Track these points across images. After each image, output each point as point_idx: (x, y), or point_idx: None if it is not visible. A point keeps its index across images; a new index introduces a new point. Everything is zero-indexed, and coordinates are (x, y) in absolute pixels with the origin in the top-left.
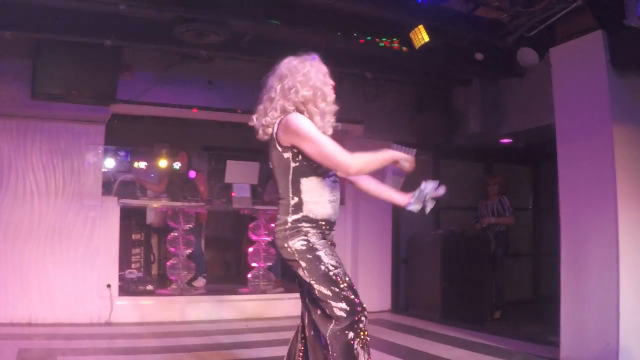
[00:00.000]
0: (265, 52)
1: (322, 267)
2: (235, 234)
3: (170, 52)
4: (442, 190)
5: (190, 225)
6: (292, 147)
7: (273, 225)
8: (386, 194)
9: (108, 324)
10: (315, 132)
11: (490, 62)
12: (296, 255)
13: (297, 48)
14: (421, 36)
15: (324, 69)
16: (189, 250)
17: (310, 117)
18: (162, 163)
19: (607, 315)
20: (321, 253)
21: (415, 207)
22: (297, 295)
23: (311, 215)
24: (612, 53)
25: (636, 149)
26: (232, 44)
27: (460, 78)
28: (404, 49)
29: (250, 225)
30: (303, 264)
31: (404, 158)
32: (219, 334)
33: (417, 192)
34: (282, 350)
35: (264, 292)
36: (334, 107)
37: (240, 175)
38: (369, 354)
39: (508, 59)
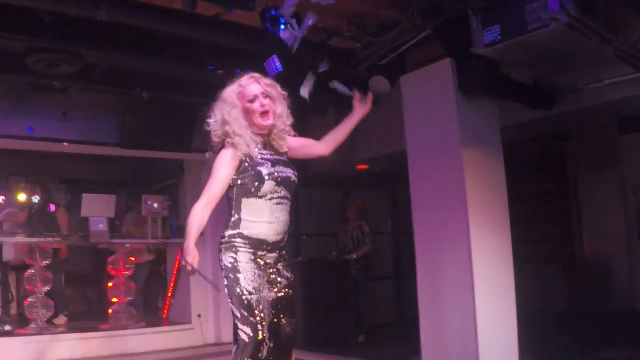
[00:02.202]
0: (118, 82)
1: (238, 290)
2: (95, 269)
3: (22, 82)
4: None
5: (48, 262)
6: None
7: (132, 258)
8: (347, 122)
9: None
10: (214, 172)
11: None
12: (224, 270)
13: (150, 78)
14: (275, 66)
15: (246, 93)
16: (47, 287)
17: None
18: (21, 197)
19: (466, 332)
20: (241, 276)
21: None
22: (159, 328)
23: (245, 233)
24: (460, 79)
25: (485, 169)
26: (85, 74)
27: (315, 106)
28: None
29: (109, 260)
30: (225, 281)
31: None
32: None
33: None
34: None
35: (125, 327)
36: (253, 138)
37: (96, 209)
38: None
39: (362, 87)
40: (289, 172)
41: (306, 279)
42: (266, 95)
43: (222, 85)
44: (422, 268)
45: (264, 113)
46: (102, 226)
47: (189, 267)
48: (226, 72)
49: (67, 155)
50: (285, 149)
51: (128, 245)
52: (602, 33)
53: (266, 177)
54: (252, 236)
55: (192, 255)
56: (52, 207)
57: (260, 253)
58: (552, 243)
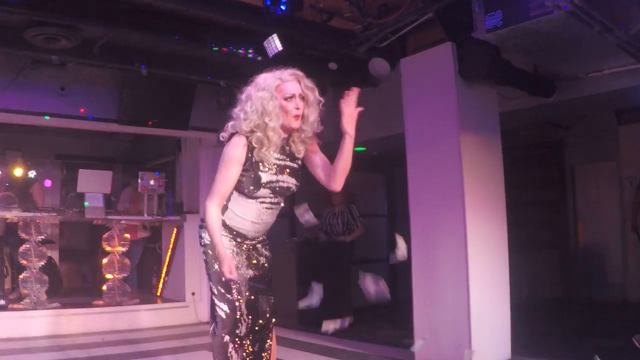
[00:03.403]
0: (117, 58)
1: (216, 267)
2: (90, 245)
3: (20, 56)
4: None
5: (43, 237)
6: None
7: (127, 235)
8: (341, 149)
9: None
10: (225, 164)
11: (343, 72)
12: (203, 247)
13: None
14: (274, 45)
15: (284, 91)
16: (42, 263)
17: (256, 149)
18: (18, 172)
19: (459, 317)
20: None
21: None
22: (153, 305)
23: (228, 223)
24: (461, 64)
25: (482, 155)
26: (83, 49)
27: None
28: (259, 57)
29: (104, 236)
30: (204, 256)
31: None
32: (73, 349)
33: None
34: None
35: (119, 304)
36: (275, 138)
37: (92, 185)
38: None
39: (361, 69)
40: (291, 183)
41: (300, 260)
42: (302, 97)
43: (221, 63)
44: (417, 252)
45: (296, 116)
46: (98, 202)
47: (227, 275)
48: (227, 50)
49: (64, 130)
50: (301, 155)
51: (123, 222)
52: (604, 22)
53: (263, 185)
54: (233, 228)
55: (226, 263)
56: (48, 183)
57: (238, 240)
58: (547, 231)
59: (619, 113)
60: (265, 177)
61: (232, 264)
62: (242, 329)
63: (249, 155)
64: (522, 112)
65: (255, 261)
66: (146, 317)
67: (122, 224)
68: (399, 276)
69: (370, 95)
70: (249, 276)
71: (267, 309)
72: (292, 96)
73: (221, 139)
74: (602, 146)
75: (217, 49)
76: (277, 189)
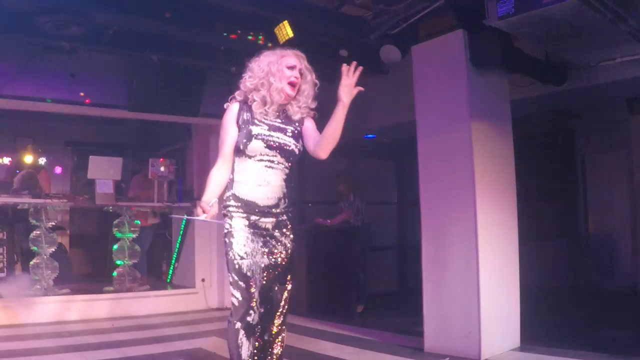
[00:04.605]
0: (128, 45)
1: (231, 254)
2: (100, 232)
3: (31, 43)
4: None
5: (54, 223)
6: None
7: (138, 222)
8: (333, 117)
9: None
10: (223, 128)
11: (354, 59)
12: (226, 235)
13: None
14: (285, 32)
15: (287, 60)
16: (52, 249)
17: (251, 104)
18: (28, 158)
19: (469, 305)
20: (234, 240)
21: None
22: (163, 292)
23: (237, 194)
24: (472, 52)
25: (493, 144)
26: (94, 36)
27: (324, 74)
28: (269, 44)
29: (115, 222)
30: (224, 245)
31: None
32: (84, 334)
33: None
34: (149, 349)
35: (129, 290)
36: (277, 97)
37: (103, 171)
38: (254, 348)
39: (372, 56)
40: (289, 141)
41: (310, 247)
42: (300, 73)
43: (231, 49)
44: (428, 239)
45: (293, 84)
46: (108, 189)
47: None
48: (238, 36)
49: (75, 117)
50: (297, 118)
51: (134, 208)
52: (616, 10)
53: (255, 136)
54: (242, 197)
55: (202, 207)
56: (59, 170)
57: (253, 218)
58: (557, 220)
59: (631, 102)
60: (255, 129)
61: (204, 207)
62: (255, 317)
63: (243, 114)
64: (533, 100)
65: (272, 249)
66: (156, 303)
67: (132, 211)
68: (409, 264)
69: (381, 83)
70: (263, 264)
71: (280, 298)
72: (294, 67)
73: (225, 107)
74: (613, 135)
75: (226, 35)
76: (272, 143)
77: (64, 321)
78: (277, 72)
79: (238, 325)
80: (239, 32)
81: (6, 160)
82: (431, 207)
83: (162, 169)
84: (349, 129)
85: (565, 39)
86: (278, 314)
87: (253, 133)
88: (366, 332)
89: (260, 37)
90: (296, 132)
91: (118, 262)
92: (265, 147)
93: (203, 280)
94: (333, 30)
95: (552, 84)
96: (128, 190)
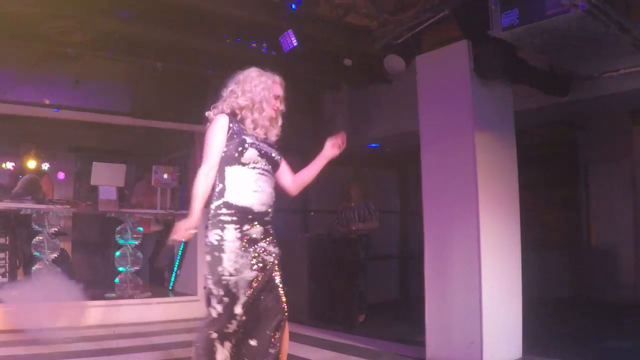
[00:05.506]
0: (132, 52)
1: (220, 269)
2: (103, 238)
3: (35, 49)
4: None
5: (56, 229)
6: None
7: (141, 228)
8: (314, 165)
9: None
10: (212, 138)
11: (358, 68)
12: (209, 246)
13: (165, 49)
14: (290, 41)
15: (276, 90)
16: (55, 254)
17: (242, 121)
18: (31, 164)
19: (471, 315)
20: (225, 257)
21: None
22: (165, 299)
23: (231, 201)
24: (476, 62)
25: (497, 154)
26: (98, 42)
27: (329, 83)
28: (272, 52)
29: (118, 229)
30: (208, 257)
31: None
32: (84, 341)
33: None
34: (150, 356)
35: (131, 297)
36: (266, 123)
37: (106, 177)
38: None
39: (376, 65)
40: (273, 152)
41: (313, 256)
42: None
43: (235, 58)
44: (430, 249)
45: (275, 110)
46: (112, 195)
47: (179, 236)
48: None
49: (78, 123)
50: (274, 138)
51: (137, 215)
52: (620, 22)
53: (249, 145)
54: (237, 204)
55: (188, 226)
56: (62, 175)
57: (246, 227)
58: (559, 230)
59: (634, 113)
60: (249, 138)
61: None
62: (232, 327)
63: (234, 126)
64: (536, 111)
65: (260, 261)
66: (158, 310)
67: (135, 217)
68: (411, 273)
69: (385, 92)
70: (251, 277)
71: (275, 303)
72: (278, 97)
73: (208, 116)
74: (616, 146)
75: (230, 43)
76: (262, 152)
77: (64, 327)
78: (270, 99)
79: (214, 335)
80: (243, 40)
81: (9, 165)
82: (434, 217)
83: (165, 176)
84: (352, 138)
85: (569, 50)
86: (272, 318)
87: (247, 142)
88: (368, 341)
89: (264, 45)
90: (272, 143)
91: (120, 269)
92: (258, 155)
93: (205, 287)
94: (337, 40)
95: (556, 94)
96: (131, 197)
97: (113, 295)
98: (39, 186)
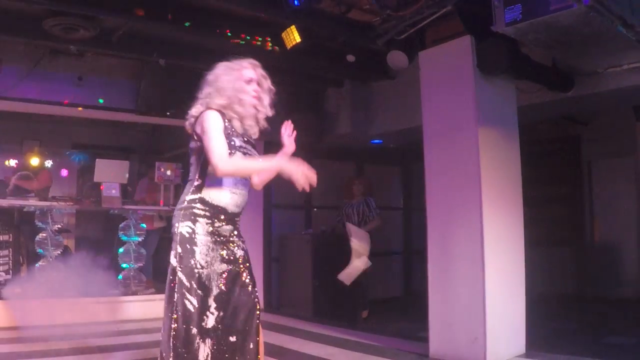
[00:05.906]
0: (136, 48)
1: (192, 262)
2: (106, 235)
3: (38, 46)
4: None
5: (60, 225)
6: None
7: (144, 225)
8: (264, 173)
9: None
10: (213, 129)
11: (361, 64)
12: (178, 238)
13: (168, 45)
14: (293, 37)
15: (246, 75)
16: (58, 251)
17: (230, 122)
18: (34, 161)
19: (474, 311)
20: (197, 249)
21: None
22: None
23: (207, 199)
24: (480, 58)
25: (500, 149)
26: (102, 39)
27: (332, 79)
28: (276, 48)
29: (121, 225)
30: (179, 249)
31: (292, 169)
32: (90, 337)
33: None
34: (153, 353)
35: (134, 293)
36: (252, 111)
37: (109, 174)
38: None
39: (379, 61)
40: (255, 153)
41: (316, 252)
42: (258, 83)
43: (239, 54)
44: (433, 245)
45: (255, 97)
46: (115, 192)
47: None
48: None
49: (82, 120)
50: (256, 136)
51: (140, 211)
52: (624, 17)
53: (238, 147)
54: (213, 202)
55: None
56: (65, 172)
57: (217, 224)
58: (562, 226)
59: (638, 109)
60: (237, 141)
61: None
62: (209, 322)
63: (225, 124)
64: (540, 106)
65: (231, 255)
66: (161, 306)
67: (138, 214)
68: (414, 269)
69: (387, 88)
70: (221, 270)
71: (247, 298)
72: (251, 80)
73: (191, 118)
74: (619, 142)
75: (234, 39)
76: (246, 155)
77: (70, 323)
78: (243, 88)
79: (194, 331)
80: (247, 36)
81: (12, 162)
82: (437, 213)
83: (168, 172)
84: (355, 134)
85: (572, 46)
86: (247, 313)
87: (236, 145)
88: (371, 337)
89: (267, 40)
90: (253, 143)
91: (124, 266)
92: (242, 157)
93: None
94: (340, 36)
95: (559, 90)
96: (134, 194)
97: (116, 291)
98: (29, 182)
